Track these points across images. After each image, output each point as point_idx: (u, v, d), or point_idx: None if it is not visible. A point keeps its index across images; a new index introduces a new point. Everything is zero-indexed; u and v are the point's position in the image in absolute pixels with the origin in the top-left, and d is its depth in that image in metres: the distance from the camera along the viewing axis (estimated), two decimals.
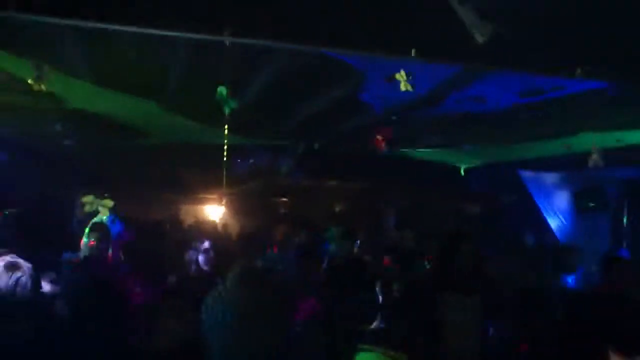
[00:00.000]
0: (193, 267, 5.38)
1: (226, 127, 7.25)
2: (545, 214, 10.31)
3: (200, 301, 3.11)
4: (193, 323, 3.09)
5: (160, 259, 5.23)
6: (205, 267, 5.40)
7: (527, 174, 10.19)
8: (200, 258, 5.40)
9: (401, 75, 3.71)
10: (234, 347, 2.94)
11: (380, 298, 4.21)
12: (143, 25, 3.56)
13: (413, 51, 3.22)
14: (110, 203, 6.52)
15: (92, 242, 5.06)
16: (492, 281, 4.47)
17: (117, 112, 6.65)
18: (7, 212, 4.41)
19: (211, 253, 5.33)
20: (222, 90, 4.91)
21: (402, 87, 3.77)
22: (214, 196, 11.69)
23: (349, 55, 4.35)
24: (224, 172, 9.54)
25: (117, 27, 3.51)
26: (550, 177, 10.35)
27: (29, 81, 4.48)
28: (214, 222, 11.03)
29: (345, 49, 3.58)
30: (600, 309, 4.79)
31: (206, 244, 5.40)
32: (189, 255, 5.47)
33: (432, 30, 3.28)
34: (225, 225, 10.70)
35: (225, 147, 8.77)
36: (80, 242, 5.55)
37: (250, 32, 3.41)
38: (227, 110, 5.28)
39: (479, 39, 3.08)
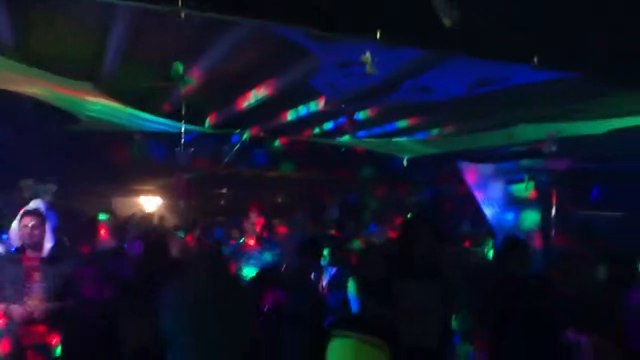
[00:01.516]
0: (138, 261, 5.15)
1: (168, 113, 7.03)
2: (481, 204, 10.59)
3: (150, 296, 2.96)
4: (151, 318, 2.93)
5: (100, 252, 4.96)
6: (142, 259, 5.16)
7: (465, 165, 10.45)
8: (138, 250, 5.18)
9: (367, 57, 3.64)
10: (202, 336, 2.82)
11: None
12: None
13: (379, 33, 3.14)
14: (53, 188, 6.14)
15: (26, 229, 4.70)
16: (449, 267, 4.52)
17: (46, 94, 6.23)
18: None
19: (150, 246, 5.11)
20: (177, 66, 4.67)
21: (368, 70, 3.70)
22: (151, 187, 11.31)
23: (306, 38, 4.26)
24: (163, 162, 9.26)
25: None
26: (486, 168, 10.63)
27: None
28: (152, 214, 10.67)
29: (308, 28, 3.45)
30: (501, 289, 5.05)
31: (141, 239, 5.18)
32: (131, 249, 5.23)
33: (398, 13, 3.22)
34: (163, 217, 10.38)
35: (166, 135, 8.51)
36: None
37: (204, 4, 3.19)
38: (182, 88, 5.04)
39: (446, 23, 3.05)
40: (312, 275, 4.12)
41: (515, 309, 4.69)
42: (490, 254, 7.48)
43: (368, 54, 3.60)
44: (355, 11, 3.22)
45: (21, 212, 4.90)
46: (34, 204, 5.11)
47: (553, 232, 10.10)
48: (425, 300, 3.97)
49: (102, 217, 6.93)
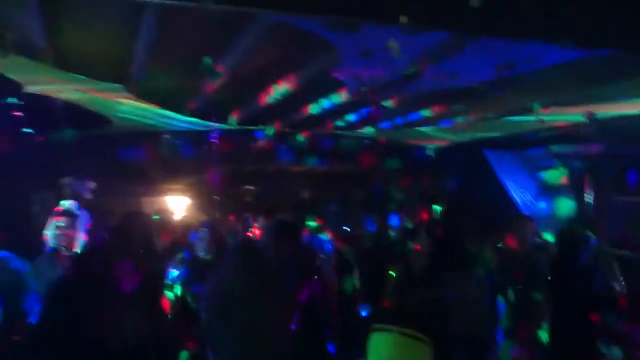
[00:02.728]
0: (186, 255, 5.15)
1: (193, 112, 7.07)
2: (511, 192, 10.40)
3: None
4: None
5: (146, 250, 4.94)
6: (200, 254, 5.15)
7: (492, 153, 10.26)
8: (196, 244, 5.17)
9: (393, 43, 3.57)
10: (239, 327, 2.79)
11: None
12: None
13: (403, 18, 3.07)
14: (92, 184, 6.24)
15: (58, 230, 4.69)
16: (487, 256, 4.42)
17: (79, 97, 6.31)
18: None
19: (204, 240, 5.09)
20: (207, 60, 4.70)
21: (395, 54, 3.64)
22: (180, 185, 11.36)
23: (326, 29, 4.20)
24: (190, 160, 9.33)
25: None
26: (515, 155, 10.44)
27: None
28: (184, 212, 10.72)
29: (331, 16, 3.40)
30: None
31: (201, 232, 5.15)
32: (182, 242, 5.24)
33: None
34: (193, 214, 10.42)
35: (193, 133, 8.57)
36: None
37: None
38: (213, 81, 5.09)
39: (474, 2, 2.96)
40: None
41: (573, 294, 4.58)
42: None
43: (393, 40, 3.53)
44: None
45: (54, 213, 4.90)
46: (65, 204, 5.11)
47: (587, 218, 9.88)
48: (467, 290, 3.89)
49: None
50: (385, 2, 3.15)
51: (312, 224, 6.32)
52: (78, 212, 4.90)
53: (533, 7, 3.26)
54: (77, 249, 4.78)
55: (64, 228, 4.69)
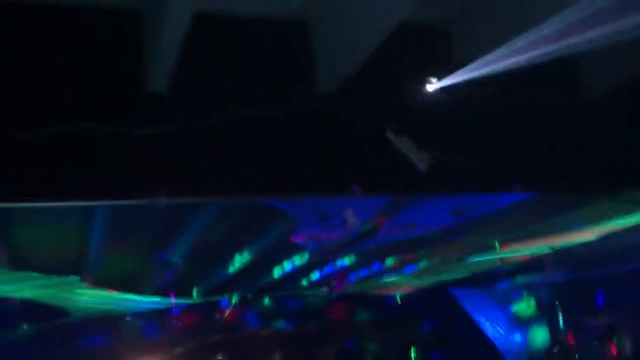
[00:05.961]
0: None
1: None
2: (482, 328, 10.23)
3: None
4: None
5: None
6: None
7: (460, 292, 10.20)
8: None
9: (348, 212, 3.63)
10: None
11: None
12: (61, 199, 3.19)
13: (353, 188, 3.13)
14: None
15: None
16: None
17: (36, 295, 6.14)
18: None
19: None
20: (160, 255, 4.69)
21: (351, 222, 3.69)
22: None
23: (281, 201, 4.27)
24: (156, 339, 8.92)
25: (36, 205, 3.10)
26: (482, 292, 10.40)
27: None
28: None
29: (283, 195, 3.45)
30: None
31: None
32: None
33: (370, 165, 3.24)
34: None
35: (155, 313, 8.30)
36: None
37: (183, 190, 3.19)
38: (170, 273, 5.03)
39: (420, 166, 3.07)
40: None
41: None
42: None
43: (349, 210, 3.60)
44: (327, 169, 3.23)
45: None
46: None
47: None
48: None
49: None
50: (335, 174, 3.22)
51: None
52: None
53: (477, 164, 3.40)
54: None
55: None
